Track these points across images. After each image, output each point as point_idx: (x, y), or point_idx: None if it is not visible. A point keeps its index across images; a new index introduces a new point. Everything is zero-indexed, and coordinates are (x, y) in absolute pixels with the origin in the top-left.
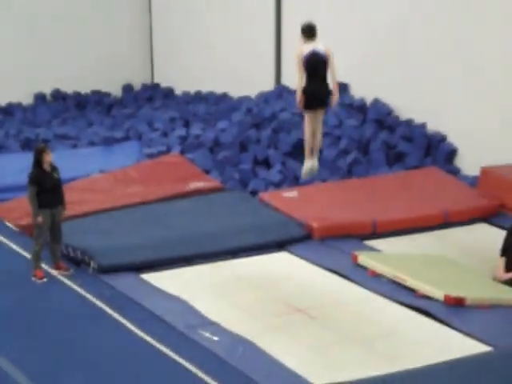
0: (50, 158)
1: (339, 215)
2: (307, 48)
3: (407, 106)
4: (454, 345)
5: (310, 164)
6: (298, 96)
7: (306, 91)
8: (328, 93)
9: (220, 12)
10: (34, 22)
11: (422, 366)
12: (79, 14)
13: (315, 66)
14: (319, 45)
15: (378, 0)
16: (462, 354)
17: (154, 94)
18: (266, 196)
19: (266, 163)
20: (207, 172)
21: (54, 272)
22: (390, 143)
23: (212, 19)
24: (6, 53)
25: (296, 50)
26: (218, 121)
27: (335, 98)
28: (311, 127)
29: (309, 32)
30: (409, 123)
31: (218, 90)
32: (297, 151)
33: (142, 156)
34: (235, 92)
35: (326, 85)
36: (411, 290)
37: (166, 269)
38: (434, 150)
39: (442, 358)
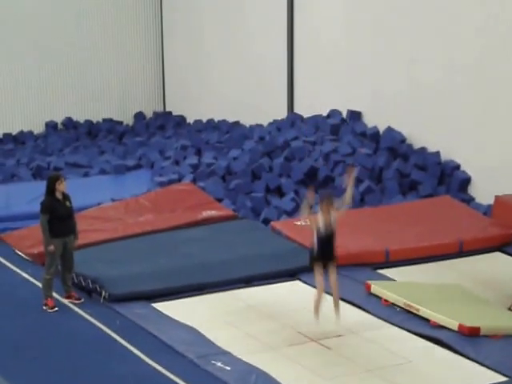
0: (63, 187)
1: (352, 244)
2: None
3: (420, 135)
4: (468, 375)
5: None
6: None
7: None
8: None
9: (232, 41)
10: (45, 51)
11: None
12: (91, 42)
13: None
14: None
15: (393, 31)
16: None
17: (165, 123)
18: (278, 224)
19: (279, 191)
20: (219, 200)
21: (65, 301)
22: (403, 172)
23: (224, 47)
24: (17, 81)
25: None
26: (230, 149)
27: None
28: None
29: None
30: (422, 151)
31: (230, 118)
32: (309, 179)
33: (154, 184)
34: (247, 120)
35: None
36: (425, 320)
37: (178, 298)
38: (448, 179)
39: None
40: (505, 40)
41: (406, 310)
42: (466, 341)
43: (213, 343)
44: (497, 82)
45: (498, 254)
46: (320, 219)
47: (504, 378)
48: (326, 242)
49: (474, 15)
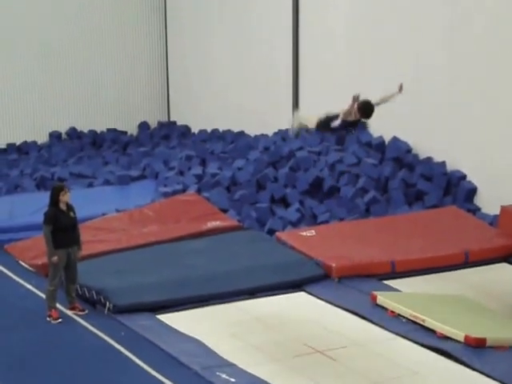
0: (67, 197)
1: (357, 255)
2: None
3: (426, 144)
4: None
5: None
6: None
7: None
8: None
9: (237, 50)
10: (49, 61)
11: None
12: (95, 52)
13: None
14: None
15: (398, 41)
16: None
17: (170, 133)
18: (283, 235)
19: (284, 202)
20: (224, 211)
21: (69, 312)
22: (409, 182)
23: (229, 57)
24: (20, 91)
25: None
26: (234, 159)
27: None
28: None
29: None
30: (428, 162)
31: (235, 128)
32: (314, 190)
33: (158, 195)
34: (252, 130)
35: None
36: (431, 331)
37: (183, 309)
38: (454, 189)
39: None
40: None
41: (411, 321)
42: (472, 352)
43: (217, 355)
44: (503, 93)
45: (504, 265)
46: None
47: None
48: None
49: (475, 26)
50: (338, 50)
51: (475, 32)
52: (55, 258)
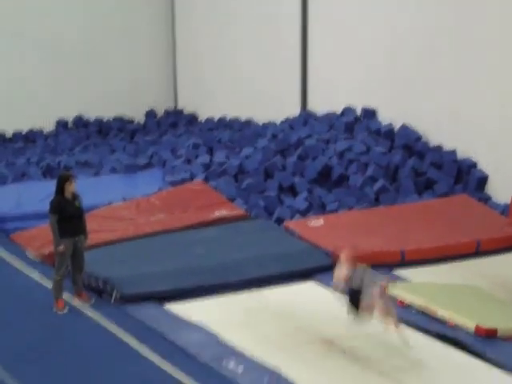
0: (73, 187)
1: (367, 244)
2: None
3: (436, 132)
4: (485, 377)
5: None
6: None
7: None
8: None
9: (245, 39)
10: (56, 49)
11: None
12: (102, 40)
13: None
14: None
15: (408, 25)
16: None
17: (177, 121)
18: (292, 224)
19: (292, 190)
20: (231, 200)
21: (76, 302)
22: (419, 170)
23: (236, 45)
24: (27, 79)
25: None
26: (242, 147)
27: None
28: None
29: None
30: (438, 149)
31: (243, 116)
32: (323, 178)
33: (165, 184)
34: (260, 118)
35: None
36: (441, 321)
37: (190, 298)
38: (465, 177)
39: None
40: None
41: (421, 311)
42: (483, 342)
43: (226, 345)
44: None
45: None
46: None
47: None
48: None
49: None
50: (346, 35)
51: (491, 21)
52: (61, 248)
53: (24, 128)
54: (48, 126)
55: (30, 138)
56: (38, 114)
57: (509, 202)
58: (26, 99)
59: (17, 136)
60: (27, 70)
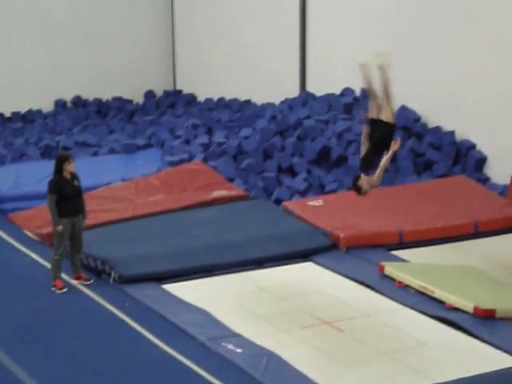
0: (71, 167)
1: (365, 224)
2: None
3: (435, 113)
4: (483, 358)
5: None
6: None
7: None
8: None
9: (244, 19)
10: (55, 30)
11: (452, 380)
12: (100, 20)
13: None
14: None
15: (405, 6)
16: (492, 368)
17: (176, 101)
18: (291, 205)
19: (291, 171)
20: (230, 180)
21: (74, 282)
22: (418, 151)
23: (235, 26)
24: (26, 60)
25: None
26: (241, 128)
27: None
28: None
29: None
30: (437, 131)
31: (242, 96)
32: (322, 159)
33: (164, 164)
34: (259, 98)
35: None
36: (439, 302)
37: (189, 279)
38: (463, 158)
39: (471, 371)
40: None
41: (420, 291)
42: (482, 323)
43: (224, 325)
44: None
45: None
46: None
47: None
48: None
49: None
50: (346, 15)
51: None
52: (60, 228)
53: (23, 108)
54: (47, 106)
55: (29, 118)
56: (37, 95)
57: (507, 183)
58: (24, 79)
59: (15, 116)
60: (26, 50)
